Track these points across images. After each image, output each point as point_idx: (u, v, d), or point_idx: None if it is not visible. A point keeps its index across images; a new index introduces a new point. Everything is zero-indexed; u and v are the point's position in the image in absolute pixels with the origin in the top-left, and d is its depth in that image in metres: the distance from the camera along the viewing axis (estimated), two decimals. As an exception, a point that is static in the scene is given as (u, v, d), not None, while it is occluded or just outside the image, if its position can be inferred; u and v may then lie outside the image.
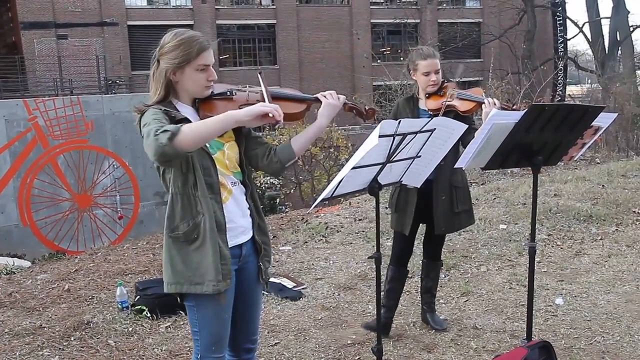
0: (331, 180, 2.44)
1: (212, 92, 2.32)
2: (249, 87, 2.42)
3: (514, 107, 3.46)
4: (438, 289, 4.49)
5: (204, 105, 2.32)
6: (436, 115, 3.33)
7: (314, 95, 2.48)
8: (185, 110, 2.28)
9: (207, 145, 2.23)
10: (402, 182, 2.73)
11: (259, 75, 2.38)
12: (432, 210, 3.57)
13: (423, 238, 3.86)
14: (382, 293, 3.73)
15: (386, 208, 3.99)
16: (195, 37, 2.24)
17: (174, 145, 1.97)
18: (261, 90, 2.36)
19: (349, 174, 2.34)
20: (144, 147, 2.08)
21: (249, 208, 2.41)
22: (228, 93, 2.35)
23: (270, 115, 2.11)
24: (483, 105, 3.32)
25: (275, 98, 2.37)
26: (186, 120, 2.18)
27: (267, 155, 2.42)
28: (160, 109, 2.17)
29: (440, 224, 3.59)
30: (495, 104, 3.29)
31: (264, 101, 2.32)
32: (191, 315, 2.36)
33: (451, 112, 3.38)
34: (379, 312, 2.94)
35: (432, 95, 3.55)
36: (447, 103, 3.44)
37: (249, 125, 2.20)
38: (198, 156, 2.19)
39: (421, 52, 3.56)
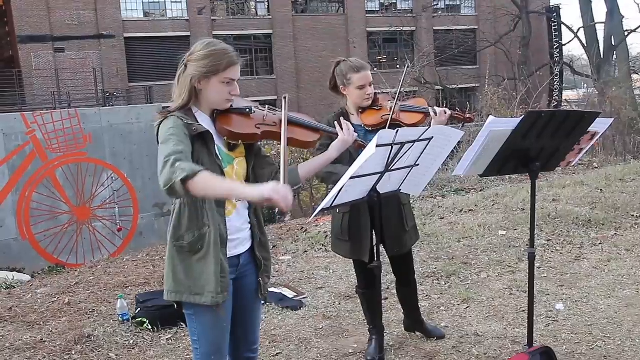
0: (330, 190, 2.46)
1: (231, 105, 2.36)
2: (268, 108, 2.44)
3: (467, 116, 3.33)
4: (439, 296, 4.51)
5: (221, 117, 2.35)
6: (376, 131, 3.04)
7: (333, 129, 2.53)
8: (204, 119, 2.32)
9: (220, 158, 2.28)
10: (401, 191, 2.75)
11: (283, 100, 2.39)
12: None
13: (389, 260, 3.59)
14: (369, 312, 3.63)
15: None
16: (227, 51, 2.30)
17: (185, 187, 2.01)
18: (279, 113, 2.39)
19: (348, 184, 2.35)
20: (158, 162, 2.10)
21: (250, 222, 2.44)
22: (247, 110, 2.38)
23: (278, 203, 1.94)
24: (433, 116, 3.17)
25: (291, 123, 2.41)
26: (207, 134, 2.24)
27: (274, 176, 2.45)
28: (182, 120, 2.21)
29: (392, 244, 3.40)
30: (445, 113, 3.16)
31: (279, 123, 2.35)
32: (190, 324, 2.39)
33: (396, 127, 3.04)
34: (380, 319, 2.95)
35: (367, 110, 3.33)
36: (392, 117, 3.21)
37: (254, 203, 2.29)
38: (210, 169, 2.18)
39: (352, 64, 3.30)
